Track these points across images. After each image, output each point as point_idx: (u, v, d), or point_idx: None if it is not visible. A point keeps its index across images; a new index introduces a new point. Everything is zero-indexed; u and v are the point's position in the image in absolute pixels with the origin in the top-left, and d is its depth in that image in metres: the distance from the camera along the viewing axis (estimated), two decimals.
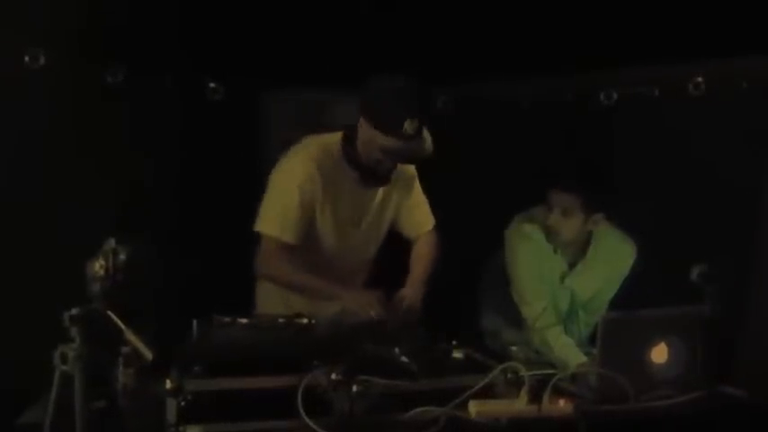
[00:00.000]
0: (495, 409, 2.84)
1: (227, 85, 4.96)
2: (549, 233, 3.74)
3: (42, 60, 4.25)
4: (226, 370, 2.88)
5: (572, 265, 3.85)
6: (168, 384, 2.68)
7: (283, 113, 5.20)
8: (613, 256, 3.84)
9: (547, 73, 4.79)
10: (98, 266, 2.55)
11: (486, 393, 2.89)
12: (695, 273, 3.11)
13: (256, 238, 3.52)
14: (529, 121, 4.82)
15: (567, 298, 3.88)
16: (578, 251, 3.82)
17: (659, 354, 3.06)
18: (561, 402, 2.88)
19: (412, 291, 3.56)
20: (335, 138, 3.57)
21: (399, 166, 3.57)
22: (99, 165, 4.28)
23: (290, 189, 3.47)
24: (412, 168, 3.76)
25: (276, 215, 3.48)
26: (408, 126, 3.28)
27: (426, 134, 3.38)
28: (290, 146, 3.61)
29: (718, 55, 4.25)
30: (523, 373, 2.88)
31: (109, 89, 4.49)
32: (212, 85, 4.93)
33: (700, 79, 4.39)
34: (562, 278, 3.84)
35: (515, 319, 3.86)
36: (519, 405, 2.85)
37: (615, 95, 4.70)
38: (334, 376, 2.80)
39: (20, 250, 4.04)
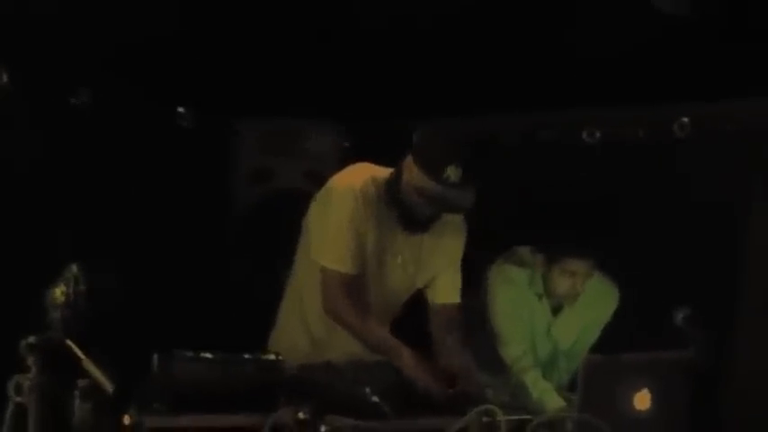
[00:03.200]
0: None
1: (197, 111, 4.93)
2: (553, 294, 3.74)
3: (5, 78, 4.21)
4: (188, 406, 2.82)
5: (555, 310, 3.84)
6: (127, 420, 2.64)
7: (253, 142, 5.18)
8: (598, 303, 3.85)
9: (528, 109, 4.81)
10: (59, 293, 2.52)
11: None
12: (679, 316, 3.11)
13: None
14: (511, 158, 4.82)
15: (548, 345, 3.88)
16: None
17: (642, 400, 3.04)
18: None
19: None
20: (383, 173, 3.54)
21: (447, 223, 3.55)
22: (62, 188, 4.24)
23: (341, 219, 3.43)
24: (460, 230, 3.68)
25: (333, 246, 3.44)
26: (452, 172, 3.24)
27: (471, 188, 3.31)
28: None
29: (705, 98, 4.29)
30: (500, 417, 2.86)
31: (74, 111, 4.45)
32: (181, 110, 4.91)
33: (685, 120, 4.42)
34: (547, 328, 3.83)
35: (489, 361, 3.83)
36: None
37: (598, 134, 4.71)
38: (301, 415, 2.76)
39: None
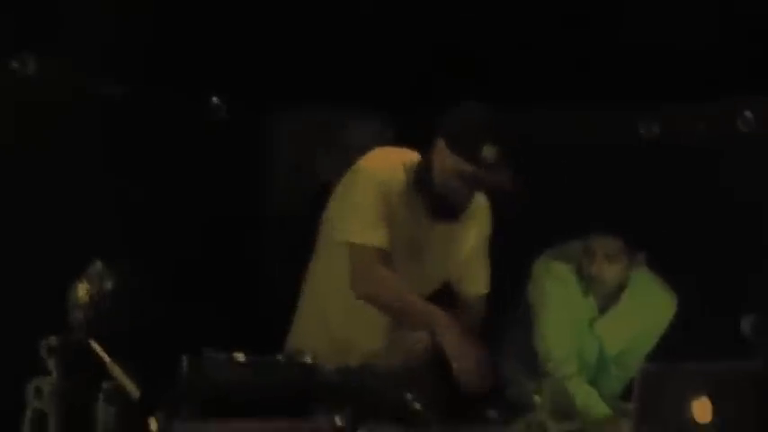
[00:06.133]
0: None
1: (231, 102, 4.90)
2: (591, 280, 3.70)
3: (32, 67, 4.20)
4: (218, 412, 2.79)
5: (603, 310, 3.79)
6: (153, 426, 2.60)
7: (290, 134, 5.14)
8: (651, 308, 3.80)
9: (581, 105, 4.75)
10: (82, 291, 2.49)
11: None
12: (746, 324, 3.03)
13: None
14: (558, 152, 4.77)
15: (595, 347, 3.83)
16: (612, 295, 3.77)
17: (703, 412, 2.97)
18: None
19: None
20: (411, 158, 3.54)
21: (475, 213, 3.57)
22: (87, 182, 4.22)
23: (368, 195, 3.42)
24: (487, 220, 3.71)
25: (361, 221, 3.42)
26: (487, 152, 3.28)
27: (507, 168, 3.34)
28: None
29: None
30: (551, 427, 2.81)
31: (104, 104, 4.43)
32: (215, 101, 4.88)
33: (749, 114, 4.35)
34: (591, 323, 3.77)
35: (537, 365, 3.78)
36: None
37: (656, 130, 4.65)
38: (338, 422, 2.73)
39: None
